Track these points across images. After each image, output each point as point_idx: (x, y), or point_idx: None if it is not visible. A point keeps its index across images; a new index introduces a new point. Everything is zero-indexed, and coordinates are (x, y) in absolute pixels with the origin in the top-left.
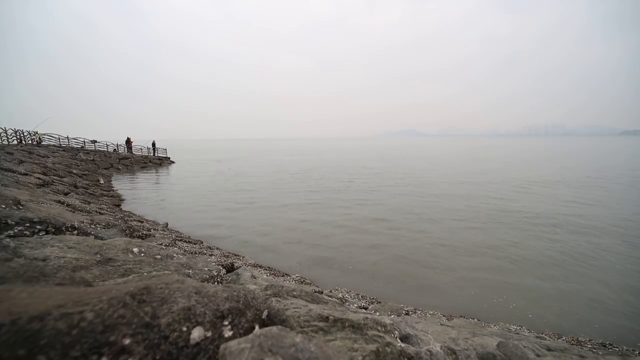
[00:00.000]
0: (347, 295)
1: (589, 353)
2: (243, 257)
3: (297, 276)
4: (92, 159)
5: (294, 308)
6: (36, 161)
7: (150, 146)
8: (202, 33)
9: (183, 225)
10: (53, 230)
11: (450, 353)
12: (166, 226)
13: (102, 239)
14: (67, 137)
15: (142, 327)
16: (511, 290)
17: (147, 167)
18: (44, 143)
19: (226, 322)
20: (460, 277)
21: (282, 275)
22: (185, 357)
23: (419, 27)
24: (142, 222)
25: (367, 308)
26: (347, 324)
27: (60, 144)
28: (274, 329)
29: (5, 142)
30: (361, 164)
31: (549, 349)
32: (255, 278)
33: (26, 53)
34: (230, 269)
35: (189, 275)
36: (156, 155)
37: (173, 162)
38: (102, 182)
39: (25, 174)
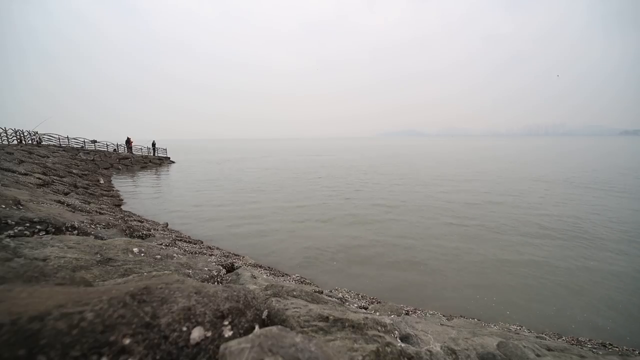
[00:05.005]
0: (347, 295)
1: (589, 353)
2: (243, 257)
3: (297, 276)
4: (92, 159)
5: (294, 308)
6: (36, 161)
7: (150, 146)
8: (201, 32)
9: (183, 225)
10: (53, 230)
11: (450, 353)
12: (166, 226)
13: (102, 239)
14: (67, 137)
15: (142, 327)
16: (510, 289)
17: (147, 167)
18: (44, 143)
19: (226, 322)
20: (461, 277)
21: (282, 275)
22: (186, 357)
23: (419, 26)
24: (142, 222)
25: (367, 308)
26: (347, 324)
27: (60, 144)
28: (274, 329)
29: (5, 142)
30: (371, 163)
31: (549, 349)
32: (255, 278)
33: (26, 53)
34: (230, 269)
35: (189, 275)
36: (156, 155)
37: (173, 162)
38: (102, 182)
39: (25, 174)
